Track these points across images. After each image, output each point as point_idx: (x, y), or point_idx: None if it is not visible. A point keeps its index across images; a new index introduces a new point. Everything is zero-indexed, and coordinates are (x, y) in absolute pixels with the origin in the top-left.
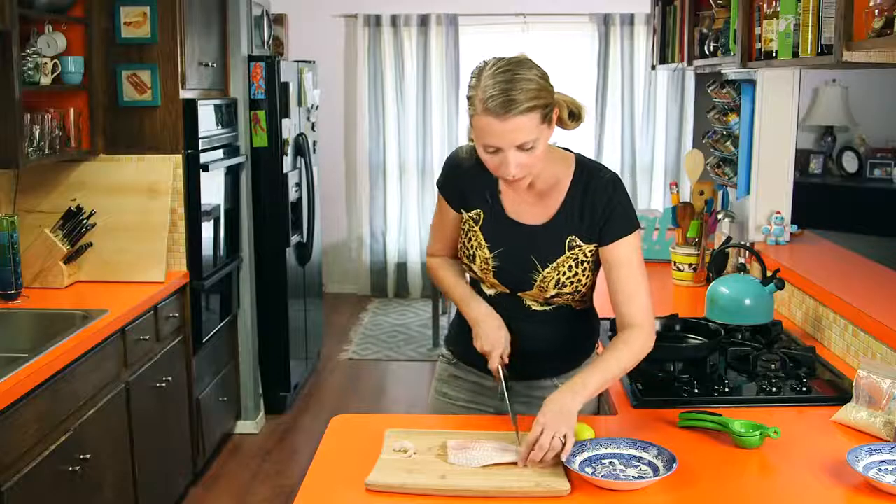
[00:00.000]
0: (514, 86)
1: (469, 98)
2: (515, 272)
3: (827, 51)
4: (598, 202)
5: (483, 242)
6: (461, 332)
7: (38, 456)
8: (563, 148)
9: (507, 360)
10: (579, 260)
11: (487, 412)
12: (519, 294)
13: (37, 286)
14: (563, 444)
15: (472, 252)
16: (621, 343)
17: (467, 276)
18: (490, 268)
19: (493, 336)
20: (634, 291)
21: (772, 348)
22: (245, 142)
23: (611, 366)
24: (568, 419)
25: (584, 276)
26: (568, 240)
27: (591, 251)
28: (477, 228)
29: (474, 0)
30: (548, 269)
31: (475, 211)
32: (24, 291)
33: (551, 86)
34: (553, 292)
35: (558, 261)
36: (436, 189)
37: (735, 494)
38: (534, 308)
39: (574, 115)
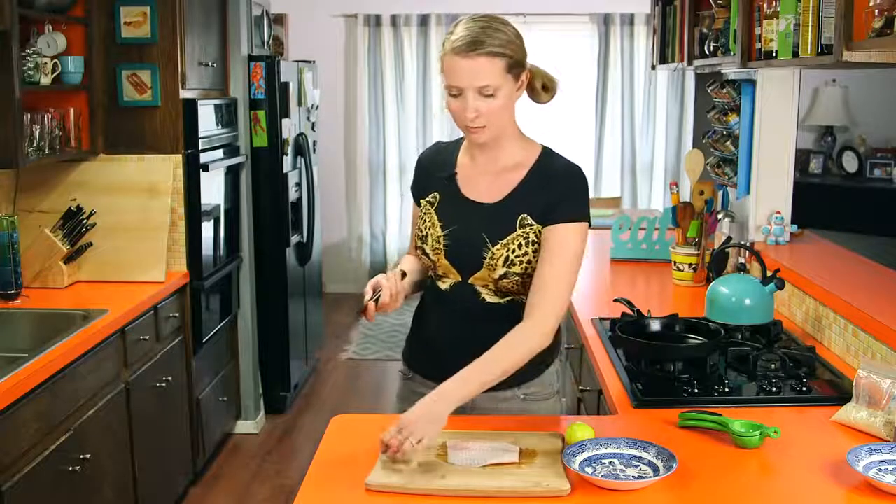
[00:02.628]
0: (483, 32)
1: (442, 45)
2: (465, 250)
3: (827, 51)
4: (555, 185)
5: (436, 222)
6: (418, 345)
7: (38, 456)
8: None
9: (375, 294)
10: (530, 240)
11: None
12: (471, 280)
13: (37, 286)
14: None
15: (424, 233)
16: (508, 346)
17: (431, 273)
18: (441, 246)
19: (386, 275)
20: (553, 283)
21: (772, 348)
22: (245, 142)
23: (492, 369)
24: (433, 424)
25: (533, 257)
26: (520, 218)
27: (539, 231)
28: (432, 210)
29: (474, 0)
30: (497, 246)
31: (432, 194)
32: (24, 291)
33: (524, 46)
34: (501, 271)
35: (508, 238)
36: None
37: (735, 494)
38: (488, 300)
39: (546, 88)
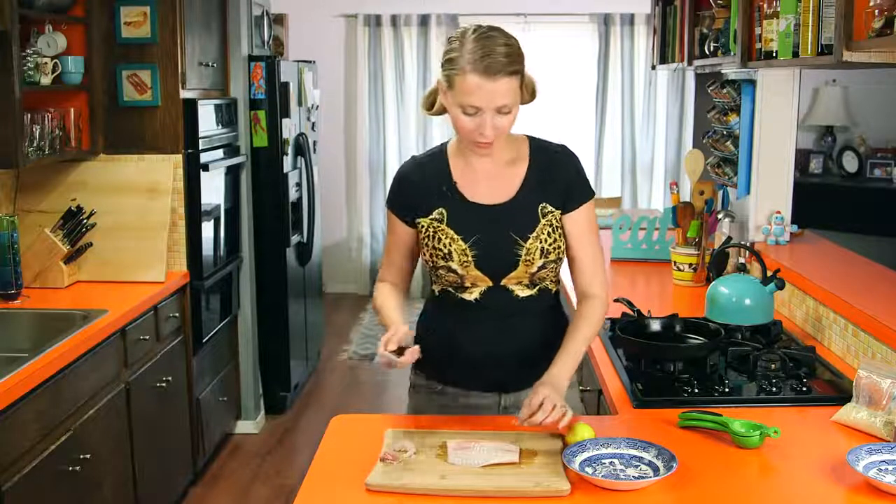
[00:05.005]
0: (499, 49)
1: (451, 59)
2: (497, 254)
3: (827, 51)
4: (558, 171)
5: (455, 236)
6: (454, 362)
7: (38, 456)
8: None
9: (393, 344)
10: (554, 226)
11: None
12: (503, 283)
13: (37, 286)
14: (563, 415)
15: (446, 251)
16: (585, 321)
17: (435, 288)
18: (470, 258)
19: (399, 327)
20: (596, 261)
21: (772, 348)
22: (245, 142)
23: (581, 347)
24: (561, 397)
25: (560, 241)
26: (540, 207)
27: (559, 216)
28: (444, 226)
29: (474, 0)
30: (530, 241)
31: (437, 211)
32: (24, 291)
33: (523, 53)
34: (540, 263)
35: (537, 229)
36: None
37: (735, 494)
38: (521, 295)
39: (529, 90)
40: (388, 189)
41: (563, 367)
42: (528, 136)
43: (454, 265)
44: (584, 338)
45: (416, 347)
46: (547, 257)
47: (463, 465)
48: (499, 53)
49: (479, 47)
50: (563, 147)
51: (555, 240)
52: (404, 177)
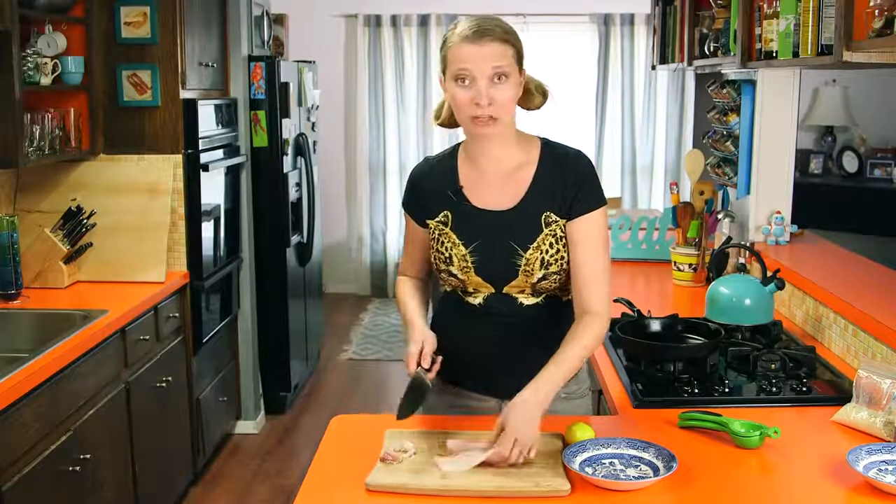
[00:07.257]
0: (488, 22)
1: (445, 40)
2: (496, 262)
3: (827, 51)
4: (567, 176)
5: (457, 241)
6: (455, 361)
7: (38, 456)
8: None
9: (428, 359)
10: (558, 236)
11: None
12: (505, 290)
13: (37, 286)
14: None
15: (447, 255)
16: (578, 338)
17: (446, 287)
18: (470, 264)
19: (427, 333)
20: (597, 274)
21: (772, 348)
22: (245, 142)
23: (571, 364)
24: (534, 429)
25: (565, 252)
26: (543, 217)
27: (564, 226)
28: (448, 230)
29: (474, 0)
30: (529, 251)
31: (442, 214)
32: (24, 291)
33: (520, 41)
34: (540, 274)
35: (538, 240)
36: None
37: (735, 494)
38: (526, 303)
39: (539, 91)
40: (405, 188)
41: (545, 388)
42: (541, 138)
43: (454, 270)
44: (577, 357)
45: (440, 359)
46: (547, 269)
47: (455, 470)
48: (489, 24)
49: (467, 22)
50: (578, 151)
51: (558, 250)
52: (415, 178)
